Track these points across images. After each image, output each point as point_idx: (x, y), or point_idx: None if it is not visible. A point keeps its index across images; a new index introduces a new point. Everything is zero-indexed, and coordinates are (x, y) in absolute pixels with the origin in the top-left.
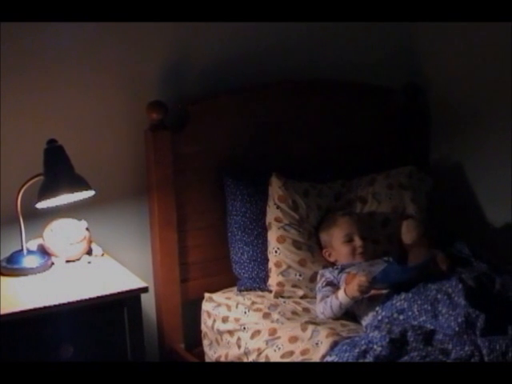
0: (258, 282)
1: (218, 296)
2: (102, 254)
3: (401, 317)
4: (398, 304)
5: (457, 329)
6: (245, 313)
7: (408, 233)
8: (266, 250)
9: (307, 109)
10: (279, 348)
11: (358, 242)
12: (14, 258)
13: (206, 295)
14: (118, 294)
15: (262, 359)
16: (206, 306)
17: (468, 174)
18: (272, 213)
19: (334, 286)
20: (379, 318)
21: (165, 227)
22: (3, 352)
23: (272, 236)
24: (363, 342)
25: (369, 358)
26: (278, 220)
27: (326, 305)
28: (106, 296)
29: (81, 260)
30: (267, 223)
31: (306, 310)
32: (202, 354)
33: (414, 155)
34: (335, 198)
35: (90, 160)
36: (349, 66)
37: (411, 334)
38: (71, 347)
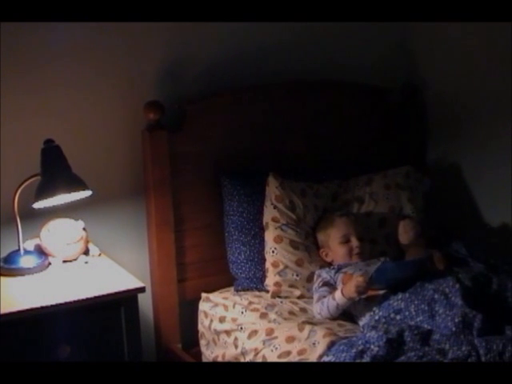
0: (255, 282)
1: (215, 296)
2: (99, 254)
3: (398, 317)
4: (395, 304)
5: (454, 329)
6: (242, 313)
7: (405, 233)
8: (263, 250)
9: (304, 109)
10: (276, 348)
11: (354, 242)
12: (11, 258)
13: (203, 295)
14: (115, 294)
15: (259, 359)
16: (203, 306)
17: (465, 174)
18: (269, 213)
19: (330, 286)
20: (376, 317)
21: (162, 227)
22: (0, 352)
23: (269, 236)
24: (360, 342)
25: (366, 358)
26: (275, 220)
27: (323, 305)
28: (103, 296)
29: (78, 260)
30: (264, 223)
31: (303, 310)
32: (199, 354)
33: (411, 155)
34: (332, 197)
35: (87, 160)
36: (346, 66)
37: (408, 334)
38: (68, 347)
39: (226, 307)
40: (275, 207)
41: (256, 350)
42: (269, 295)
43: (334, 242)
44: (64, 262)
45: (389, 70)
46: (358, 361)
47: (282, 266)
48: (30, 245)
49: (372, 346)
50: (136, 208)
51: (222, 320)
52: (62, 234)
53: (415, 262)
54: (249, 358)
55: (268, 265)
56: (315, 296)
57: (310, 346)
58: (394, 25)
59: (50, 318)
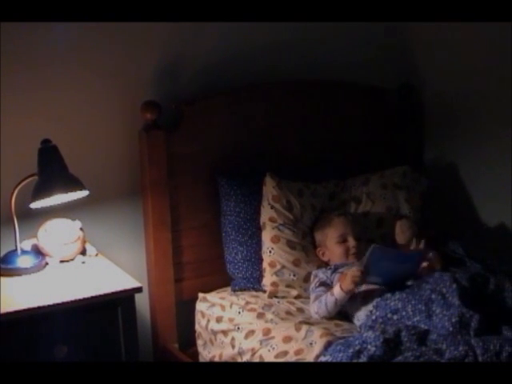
0: (252, 282)
1: (212, 296)
2: (96, 254)
3: (395, 317)
4: (392, 304)
5: (451, 329)
6: (239, 313)
7: (402, 233)
8: (260, 249)
9: (301, 109)
10: (273, 348)
11: (351, 242)
12: (8, 258)
13: (200, 295)
14: (112, 294)
15: (256, 359)
16: (200, 305)
17: (462, 173)
18: (266, 213)
19: (327, 286)
20: (373, 317)
21: (159, 227)
22: None
23: (266, 236)
24: (357, 342)
25: (363, 358)
26: (272, 220)
27: (321, 303)
28: (100, 296)
29: (75, 260)
30: (261, 223)
31: (300, 310)
32: (196, 354)
33: (408, 155)
34: (329, 197)
35: (83, 160)
36: (343, 65)
37: (405, 334)
38: (65, 347)
39: (222, 307)
40: (272, 207)
41: (253, 350)
42: (266, 295)
43: (331, 241)
44: (61, 261)
45: (387, 70)
46: (354, 361)
47: (278, 266)
48: (27, 245)
49: (369, 346)
50: (133, 208)
51: (218, 320)
52: (59, 234)
53: (408, 254)
54: (246, 358)
55: (265, 265)
56: (312, 296)
57: (307, 346)
58: (392, 25)
59: (46, 317)
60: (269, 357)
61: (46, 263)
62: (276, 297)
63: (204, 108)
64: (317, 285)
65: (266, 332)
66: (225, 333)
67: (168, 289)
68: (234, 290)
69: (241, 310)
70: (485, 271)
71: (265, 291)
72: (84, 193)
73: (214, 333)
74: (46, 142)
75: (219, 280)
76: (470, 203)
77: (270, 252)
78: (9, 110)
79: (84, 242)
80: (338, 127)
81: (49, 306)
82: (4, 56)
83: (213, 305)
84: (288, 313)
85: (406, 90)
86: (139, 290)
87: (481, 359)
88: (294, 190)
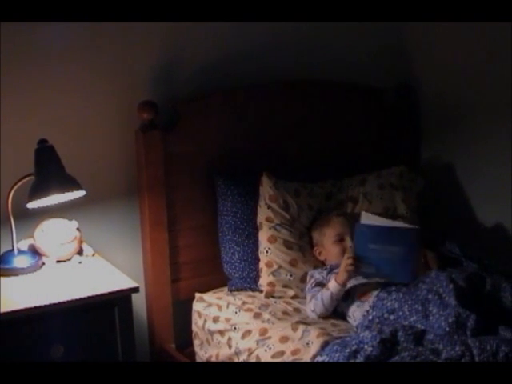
0: (249, 282)
1: (209, 296)
2: (93, 254)
3: (391, 317)
4: (389, 304)
5: (447, 329)
6: (236, 313)
7: None
8: (256, 250)
9: (298, 109)
10: (270, 348)
11: (348, 242)
12: (4, 258)
13: (197, 295)
14: (109, 294)
15: (253, 359)
16: (196, 306)
17: (459, 174)
18: (263, 213)
19: (323, 286)
20: (370, 317)
21: (155, 227)
22: None
23: (263, 236)
24: (354, 342)
25: (359, 358)
26: (269, 220)
27: (317, 300)
28: (97, 296)
29: (71, 260)
30: (258, 223)
31: (297, 310)
32: (192, 353)
33: (405, 155)
34: (326, 197)
35: (80, 160)
36: (340, 65)
37: (402, 334)
38: (62, 347)
39: (219, 307)
40: (269, 207)
41: (250, 350)
42: (262, 295)
43: (329, 240)
44: (58, 262)
45: (384, 70)
46: (351, 361)
47: (275, 266)
48: (23, 245)
49: (366, 346)
50: (130, 208)
51: (215, 320)
52: (55, 234)
53: (395, 229)
54: (242, 358)
55: (262, 265)
56: (308, 296)
57: (304, 346)
58: (389, 25)
59: (43, 317)
60: (265, 357)
61: (43, 263)
62: (273, 297)
63: (201, 108)
64: (313, 285)
65: (263, 332)
66: (221, 333)
67: (165, 289)
68: (231, 290)
69: (237, 310)
70: (481, 271)
71: (261, 291)
72: (81, 193)
73: (211, 333)
74: (42, 142)
75: (216, 280)
76: (466, 203)
77: (267, 252)
78: (5, 111)
79: (81, 242)
80: (334, 127)
81: (45, 306)
82: (1, 56)
83: (209, 305)
84: (285, 313)
85: (403, 90)
86: (136, 290)
87: (477, 359)
88: (291, 189)
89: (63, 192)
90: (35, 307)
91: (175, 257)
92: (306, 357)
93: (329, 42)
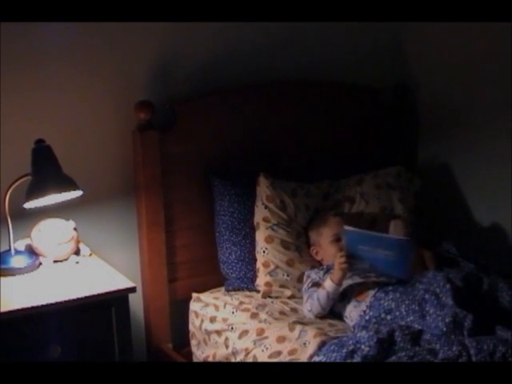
0: (246, 282)
1: (206, 296)
2: (90, 254)
3: (388, 317)
4: (386, 304)
5: (444, 329)
6: (232, 313)
7: (396, 233)
8: (253, 250)
9: (295, 109)
10: (267, 348)
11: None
12: (1, 258)
13: (194, 295)
14: (106, 294)
15: (250, 359)
16: (193, 305)
17: (456, 174)
18: (260, 213)
19: (319, 286)
20: (367, 318)
21: (152, 227)
22: None
23: (260, 236)
24: (351, 342)
25: (356, 358)
26: (266, 220)
27: (313, 300)
28: (94, 296)
29: (68, 260)
30: (255, 223)
31: (294, 310)
32: (189, 353)
33: (402, 155)
34: (323, 197)
35: (77, 160)
36: (337, 65)
37: (399, 334)
38: (59, 347)
39: (216, 307)
40: (266, 207)
41: (247, 350)
42: (259, 295)
43: (326, 240)
44: (55, 261)
45: (381, 70)
46: (348, 361)
47: (272, 266)
48: (20, 245)
49: (363, 346)
50: (127, 208)
51: (212, 320)
52: (52, 234)
53: (382, 237)
54: (239, 358)
55: (259, 265)
56: (305, 297)
57: (301, 345)
58: (386, 25)
59: (40, 317)
60: (262, 357)
61: (40, 263)
62: (270, 297)
63: (198, 108)
64: (309, 285)
65: (260, 332)
66: (218, 333)
67: (162, 289)
68: (228, 290)
69: (234, 310)
70: (478, 271)
71: (258, 291)
72: (78, 193)
73: (208, 333)
74: (39, 142)
75: (213, 280)
76: (463, 203)
77: (264, 252)
78: (2, 111)
79: (78, 242)
80: (331, 127)
81: (42, 305)
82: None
83: (206, 305)
84: (282, 313)
85: (400, 90)
86: (133, 289)
87: (474, 359)
88: (288, 190)
89: (60, 192)
90: (32, 307)
91: (172, 257)
92: (302, 357)
93: (326, 42)
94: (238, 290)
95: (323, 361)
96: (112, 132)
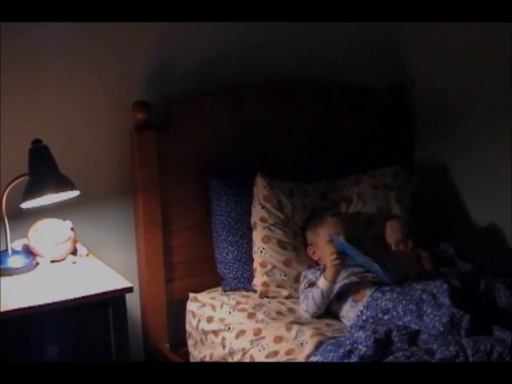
0: (243, 282)
1: (203, 296)
2: (87, 254)
3: (385, 317)
4: (383, 304)
5: (441, 329)
6: (229, 313)
7: (393, 233)
8: (250, 250)
9: (292, 109)
10: (264, 348)
11: None
12: None
13: (191, 295)
14: (103, 293)
15: (247, 359)
16: (190, 305)
17: (453, 173)
18: (257, 213)
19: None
20: (364, 318)
21: (150, 227)
22: None
23: (257, 236)
24: (348, 342)
25: (353, 358)
26: (263, 220)
27: (309, 299)
28: (91, 296)
29: (66, 260)
30: (252, 223)
31: (291, 310)
32: (186, 353)
33: (399, 155)
34: (320, 197)
35: (74, 160)
36: (334, 65)
37: (396, 334)
38: (56, 347)
39: (213, 307)
40: (263, 207)
41: (244, 350)
42: (256, 295)
43: (323, 240)
44: (52, 261)
45: (377, 70)
46: (345, 361)
47: (269, 266)
48: (17, 245)
49: (360, 346)
50: (124, 208)
51: (209, 320)
52: (49, 234)
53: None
54: (236, 358)
55: (256, 265)
56: (301, 297)
57: (298, 345)
58: (382, 25)
59: (37, 317)
60: (259, 357)
61: (37, 263)
62: (267, 297)
63: (195, 108)
64: (306, 286)
65: (257, 332)
66: (215, 333)
67: (159, 289)
68: (225, 290)
69: (231, 310)
70: (475, 271)
71: (255, 291)
72: (75, 193)
73: (205, 333)
74: (36, 141)
75: (210, 280)
76: (460, 203)
77: (261, 252)
78: (0, 110)
79: (75, 242)
80: (328, 127)
81: (39, 305)
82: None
83: (203, 305)
84: (279, 313)
85: (396, 89)
86: (130, 289)
87: (471, 359)
88: (285, 190)
89: (57, 192)
90: (29, 307)
91: (169, 257)
92: (300, 357)
93: (322, 42)
94: (235, 290)
95: (320, 361)
96: (109, 132)
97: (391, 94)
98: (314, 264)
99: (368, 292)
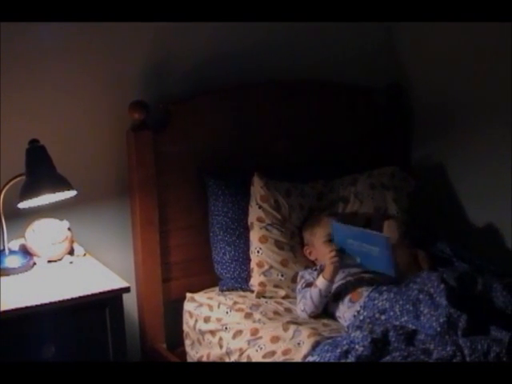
0: (240, 282)
1: (200, 296)
2: (84, 254)
3: (383, 317)
4: (380, 304)
5: (438, 329)
6: (227, 313)
7: (390, 233)
8: (248, 250)
9: (289, 109)
10: (261, 348)
11: None
12: None
13: (188, 295)
14: (100, 294)
15: (244, 359)
16: (187, 305)
17: (450, 174)
18: (254, 213)
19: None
20: (361, 318)
21: (147, 227)
22: None
23: (254, 236)
24: (345, 342)
25: (350, 358)
26: (260, 220)
27: (306, 299)
28: (88, 296)
29: (63, 260)
30: (249, 223)
31: (288, 310)
32: (183, 353)
33: (396, 155)
34: (317, 197)
35: (71, 160)
36: (331, 66)
37: (393, 334)
38: (53, 347)
39: (210, 307)
40: (260, 207)
41: (241, 350)
42: (253, 295)
43: (319, 240)
44: (49, 261)
45: (374, 70)
46: (342, 361)
47: (266, 266)
48: (14, 245)
49: (357, 346)
50: (121, 208)
51: (206, 320)
52: (46, 234)
53: (366, 232)
54: (233, 358)
55: (253, 265)
56: (298, 297)
57: (295, 345)
58: (380, 25)
59: (34, 317)
60: (256, 357)
61: (34, 263)
62: (264, 297)
63: (192, 108)
64: (303, 286)
65: (254, 332)
66: (212, 333)
67: (156, 289)
68: (222, 290)
69: (228, 310)
70: (472, 271)
71: (253, 291)
72: (72, 193)
73: (202, 333)
74: (33, 142)
75: (207, 280)
76: (457, 203)
77: (258, 252)
78: None
79: (72, 241)
80: (326, 127)
81: (36, 305)
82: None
83: (200, 305)
84: (276, 313)
85: (394, 90)
86: (127, 289)
87: (468, 359)
88: (282, 190)
89: (54, 192)
90: (26, 307)
91: (166, 257)
92: (297, 357)
93: (319, 42)
94: (232, 290)
95: (317, 361)
96: (106, 132)
97: (389, 94)
98: (311, 264)
99: (365, 292)
